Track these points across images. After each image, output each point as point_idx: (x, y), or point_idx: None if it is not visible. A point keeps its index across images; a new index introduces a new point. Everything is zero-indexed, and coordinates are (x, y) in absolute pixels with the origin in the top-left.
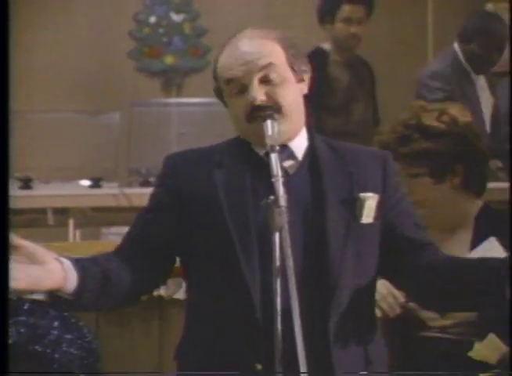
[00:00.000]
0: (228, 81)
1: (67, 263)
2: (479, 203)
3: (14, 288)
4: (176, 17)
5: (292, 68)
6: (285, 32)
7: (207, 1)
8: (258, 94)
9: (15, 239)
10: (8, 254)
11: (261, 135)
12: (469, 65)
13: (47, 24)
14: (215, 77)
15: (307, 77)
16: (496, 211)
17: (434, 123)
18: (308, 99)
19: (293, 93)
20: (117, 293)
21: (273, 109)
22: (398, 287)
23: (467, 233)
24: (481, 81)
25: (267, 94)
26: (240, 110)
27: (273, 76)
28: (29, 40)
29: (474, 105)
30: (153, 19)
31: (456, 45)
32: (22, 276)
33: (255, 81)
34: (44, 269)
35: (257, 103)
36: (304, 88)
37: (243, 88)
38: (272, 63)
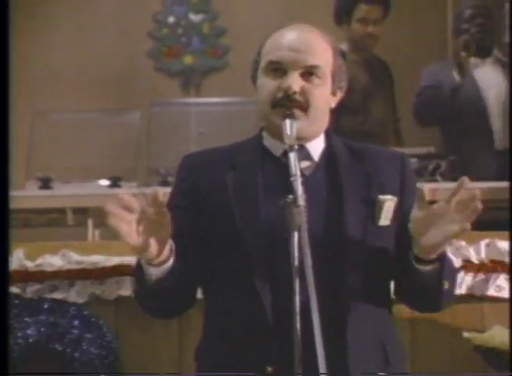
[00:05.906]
0: (272, 62)
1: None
2: None
3: (141, 251)
4: (195, 17)
5: (333, 78)
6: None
7: (226, 1)
8: (295, 85)
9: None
10: (8, 254)
11: (281, 125)
12: (467, 53)
13: (68, 25)
14: (259, 52)
15: (340, 93)
16: None
17: None
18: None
19: (324, 100)
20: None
21: (301, 105)
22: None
23: None
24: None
25: (302, 89)
26: (270, 93)
27: (314, 77)
28: (51, 40)
29: (470, 89)
30: (171, 20)
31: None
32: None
33: (296, 72)
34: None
35: (290, 93)
36: (333, 102)
37: (282, 73)
38: (320, 67)
